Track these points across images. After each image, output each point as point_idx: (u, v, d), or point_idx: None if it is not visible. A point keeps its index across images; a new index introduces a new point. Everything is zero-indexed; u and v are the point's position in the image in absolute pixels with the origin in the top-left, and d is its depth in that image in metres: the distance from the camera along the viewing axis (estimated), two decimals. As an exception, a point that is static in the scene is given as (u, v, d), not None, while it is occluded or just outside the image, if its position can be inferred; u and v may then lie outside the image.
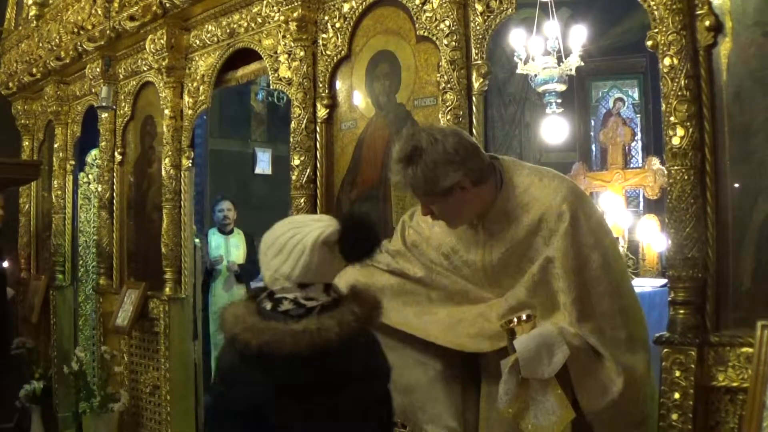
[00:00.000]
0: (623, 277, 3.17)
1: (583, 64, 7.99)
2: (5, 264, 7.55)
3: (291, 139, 5.15)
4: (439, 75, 4.33)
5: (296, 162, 5.10)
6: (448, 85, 4.24)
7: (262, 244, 2.87)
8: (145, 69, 6.91)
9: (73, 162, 8.23)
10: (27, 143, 9.00)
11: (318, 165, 5.07)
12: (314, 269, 2.74)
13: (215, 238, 9.29)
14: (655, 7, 3.36)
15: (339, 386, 2.71)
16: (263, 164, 12.17)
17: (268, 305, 2.77)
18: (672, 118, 3.27)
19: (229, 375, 2.78)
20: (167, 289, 6.39)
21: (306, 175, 5.06)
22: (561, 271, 2.96)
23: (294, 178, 5.11)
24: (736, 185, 3.24)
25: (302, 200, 5.06)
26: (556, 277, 2.98)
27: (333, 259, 2.78)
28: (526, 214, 3.08)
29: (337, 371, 2.69)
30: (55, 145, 8.30)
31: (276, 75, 5.39)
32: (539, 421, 2.90)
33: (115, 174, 7.26)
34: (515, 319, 2.96)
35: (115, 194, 7.26)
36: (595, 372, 2.94)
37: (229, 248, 9.42)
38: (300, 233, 2.76)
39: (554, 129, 9.34)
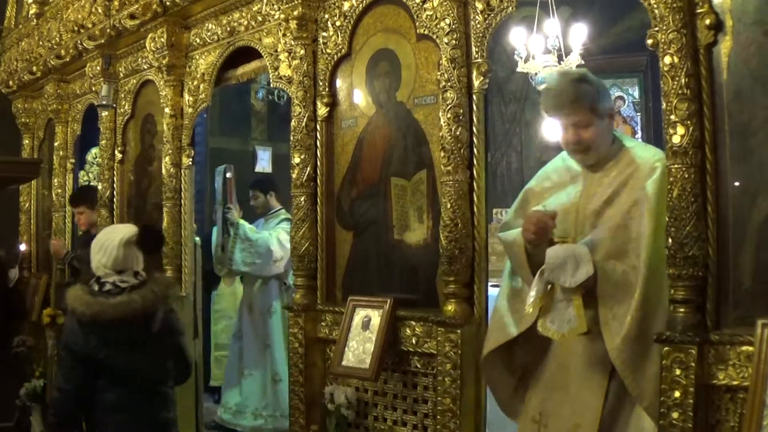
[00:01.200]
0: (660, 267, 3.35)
1: (583, 62, 7.98)
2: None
3: (291, 138, 5.16)
4: (439, 73, 4.33)
5: (296, 160, 5.10)
6: (449, 84, 4.24)
7: (92, 243, 4.36)
8: (146, 67, 6.92)
9: (73, 160, 8.25)
10: (27, 141, 9.01)
11: (318, 163, 5.08)
12: (121, 260, 4.24)
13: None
14: (655, 6, 3.35)
15: (144, 338, 4.19)
16: (263, 162, 12.12)
17: (96, 287, 4.20)
18: (672, 117, 3.26)
19: (71, 334, 4.20)
20: (167, 288, 6.37)
21: (306, 174, 5.07)
22: (645, 210, 3.34)
23: (294, 176, 5.12)
24: (737, 184, 3.23)
25: (302, 198, 5.07)
26: (636, 219, 3.36)
27: (133, 252, 4.29)
28: (626, 169, 3.58)
29: (141, 329, 4.16)
30: (56, 144, 8.33)
31: (276, 73, 5.40)
32: (554, 325, 3.43)
33: (115, 172, 7.27)
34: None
35: (115, 192, 7.26)
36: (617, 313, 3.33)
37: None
38: (112, 236, 4.31)
39: (555, 127, 9.34)
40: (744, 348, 3.09)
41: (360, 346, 4.56)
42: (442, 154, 4.25)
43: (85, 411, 4.26)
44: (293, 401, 5.09)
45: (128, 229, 4.34)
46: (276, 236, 7.45)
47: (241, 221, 7.28)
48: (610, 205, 3.55)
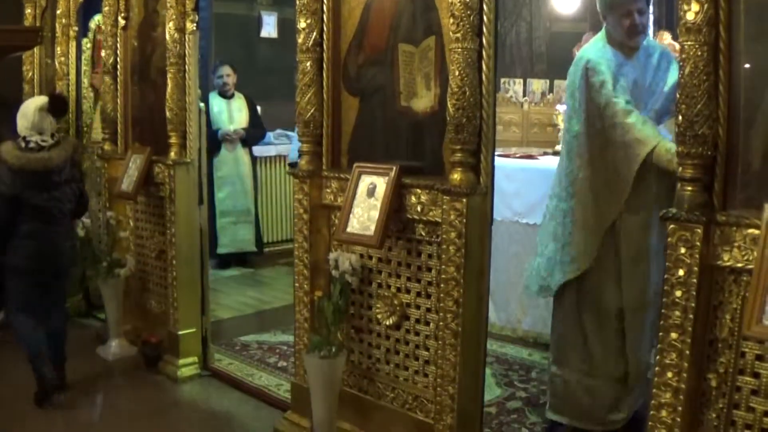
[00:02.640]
0: None
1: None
2: None
3: (297, 2, 5.04)
4: (448, -60, 4.20)
5: (302, 25, 4.99)
6: (459, -51, 4.12)
7: (18, 113, 5.74)
8: (148, -70, 6.77)
9: (76, 28, 8.13)
10: (29, 11, 8.79)
11: (325, 28, 4.97)
12: (38, 122, 5.68)
13: (217, 103, 9.33)
14: None
15: (58, 184, 5.74)
16: (269, 27, 12.02)
17: (23, 144, 5.63)
18: (687, -7, 3.19)
19: (3, 177, 5.57)
20: (172, 154, 6.39)
21: (312, 39, 4.97)
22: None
23: (300, 41, 5.02)
24: (749, 65, 3.17)
25: (308, 63, 4.99)
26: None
27: (46, 117, 5.73)
28: (655, 52, 4.78)
29: (57, 177, 5.72)
30: (58, 12, 8.17)
31: (281, -65, 5.27)
32: None
33: (118, 39, 7.15)
34: None
35: (119, 59, 7.17)
36: None
37: (231, 112, 9.48)
38: (30, 105, 5.77)
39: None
40: (750, 231, 3.09)
41: (365, 213, 4.57)
42: (451, 20, 4.16)
43: (6, 237, 5.70)
44: (298, 267, 5.12)
45: (41, 99, 5.89)
46: None
47: None
48: (662, 80, 4.71)
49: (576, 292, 4.77)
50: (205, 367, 6.53)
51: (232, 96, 9.60)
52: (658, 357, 3.33)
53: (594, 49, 4.71)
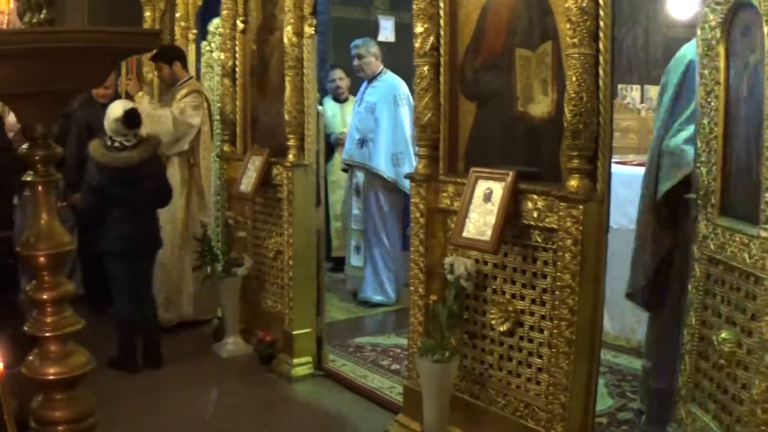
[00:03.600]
0: None
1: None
2: None
3: (414, 7, 5.05)
4: (567, -58, 4.17)
5: (419, 29, 5.01)
6: (576, -44, 4.08)
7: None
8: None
9: (195, 31, 8.32)
10: (149, 14, 8.96)
11: (441, 33, 4.98)
12: (116, 130, 6.27)
13: (330, 107, 9.36)
14: None
15: (140, 179, 6.39)
16: (386, 32, 12.06)
17: (109, 143, 6.30)
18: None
19: (90, 171, 6.37)
20: (290, 156, 6.48)
21: (429, 43, 4.98)
22: None
23: (417, 45, 5.03)
24: None
25: (425, 68, 5.00)
26: None
27: (123, 125, 6.26)
28: None
29: (138, 173, 6.34)
30: (177, 15, 8.36)
31: (399, -60, 5.30)
32: None
33: (237, 42, 7.29)
34: None
35: (237, 62, 7.30)
36: None
37: (345, 116, 9.49)
38: (111, 112, 6.31)
39: (682, 3, 9.01)
40: None
41: (481, 218, 4.55)
42: (568, 26, 4.12)
43: (94, 224, 6.52)
44: (413, 271, 5.14)
45: (118, 110, 6.31)
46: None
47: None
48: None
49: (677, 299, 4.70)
50: (318, 367, 6.60)
51: (345, 100, 9.65)
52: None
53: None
